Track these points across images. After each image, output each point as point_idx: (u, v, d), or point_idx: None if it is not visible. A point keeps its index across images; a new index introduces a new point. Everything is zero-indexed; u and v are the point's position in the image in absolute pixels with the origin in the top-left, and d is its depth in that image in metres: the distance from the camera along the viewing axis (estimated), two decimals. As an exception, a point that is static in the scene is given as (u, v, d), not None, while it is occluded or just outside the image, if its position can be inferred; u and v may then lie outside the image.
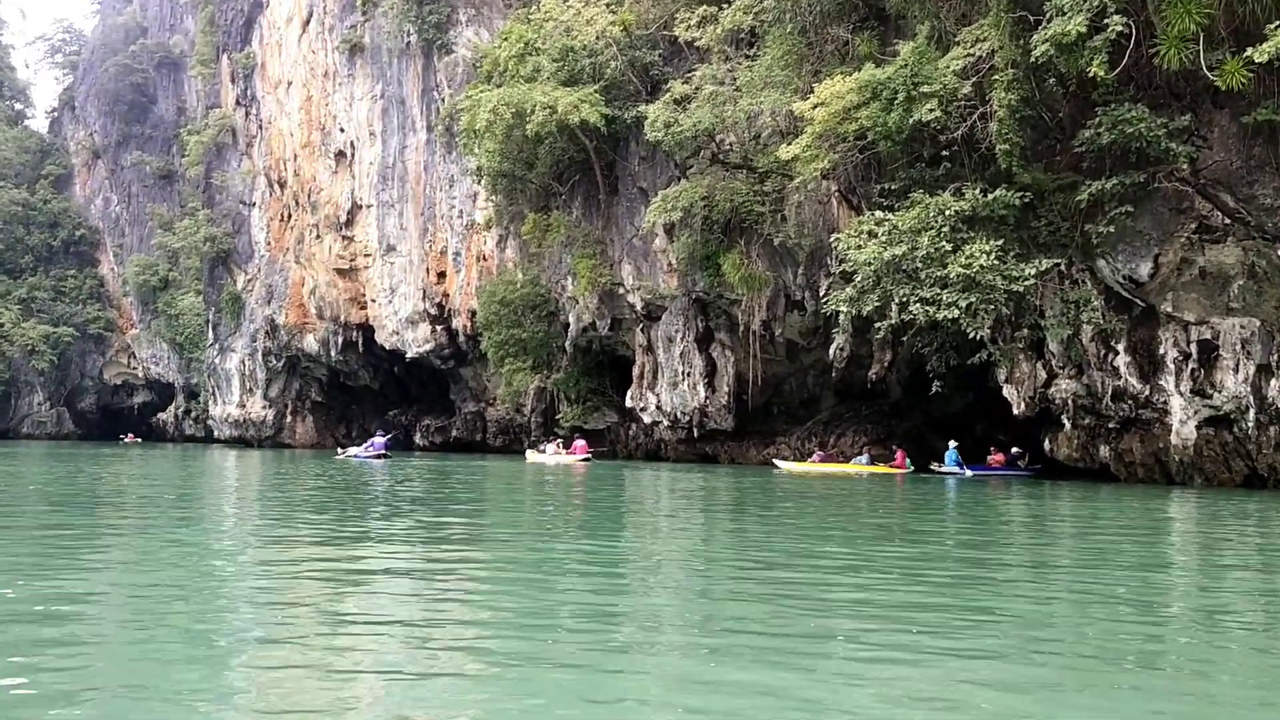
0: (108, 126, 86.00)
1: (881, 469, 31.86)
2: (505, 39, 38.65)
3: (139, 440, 78.98)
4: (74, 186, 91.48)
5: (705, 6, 32.34)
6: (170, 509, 15.98)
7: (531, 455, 40.37)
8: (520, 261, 43.12)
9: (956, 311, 22.21)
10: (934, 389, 27.81)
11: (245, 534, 12.28)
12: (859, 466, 31.95)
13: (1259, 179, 20.92)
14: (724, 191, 31.18)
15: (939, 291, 22.49)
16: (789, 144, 26.36)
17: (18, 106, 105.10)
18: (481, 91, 37.08)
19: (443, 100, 47.74)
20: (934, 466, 31.61)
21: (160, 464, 35.11)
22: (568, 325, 40.55)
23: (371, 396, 61.49)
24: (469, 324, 47.36)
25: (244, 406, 60.75)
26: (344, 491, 20.11)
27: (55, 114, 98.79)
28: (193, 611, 6.88)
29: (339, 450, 45.04)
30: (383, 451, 38.32)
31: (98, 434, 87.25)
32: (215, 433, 65.28)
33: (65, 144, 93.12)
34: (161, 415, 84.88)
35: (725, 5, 31.42)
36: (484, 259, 47.23)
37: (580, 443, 38.50)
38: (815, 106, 25.08)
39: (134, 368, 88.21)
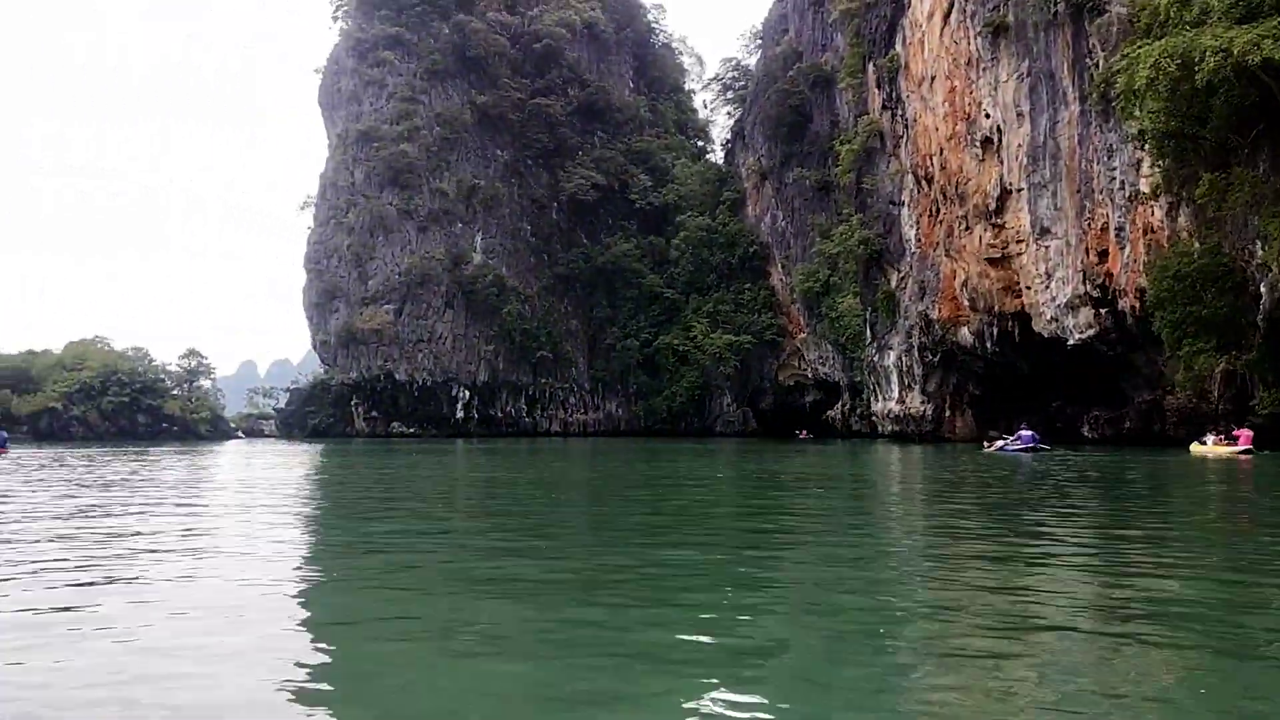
0: (772, 149, 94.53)
1: None
2: (1166, -17, 34.68)
3: (811, 436, 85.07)
4: (746, 208, 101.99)
5: None
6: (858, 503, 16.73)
7: (1195, 447, 36.61)
8: (1196, 229, 38.31)
9: None
10: None
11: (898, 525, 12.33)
12: None
13: None
14: None
15: None
16: None
17: (699, 144, 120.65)
18: (1139, 47, 33.68)
19: (1095, 67, 44.34)
20: None
21: (833, 459, 37.37)
22: (1259, 297, 35.01)
23: (1030, 388, 59.19)
24: (1137, 305, 43.26)
25: (903, 402, 62.33)
26: (1000, 485, 19.45)
27: (728, 145, 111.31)
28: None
29: (985, 443, 44.34)
30: (1031, 444, 37.02)
31: (776, 430, 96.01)
32: (879, 429, 67.92)
33: (738, 170, 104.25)
34: (830, 412, 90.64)
35: None
36: (1152, 231, 42.82)
37: (1245, 432, 34.43)
38: None
39: (804, 369, 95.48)
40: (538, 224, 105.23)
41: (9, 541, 10.67)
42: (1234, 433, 35.72)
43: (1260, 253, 33.99)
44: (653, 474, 26.03)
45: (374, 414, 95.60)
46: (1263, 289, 34.67)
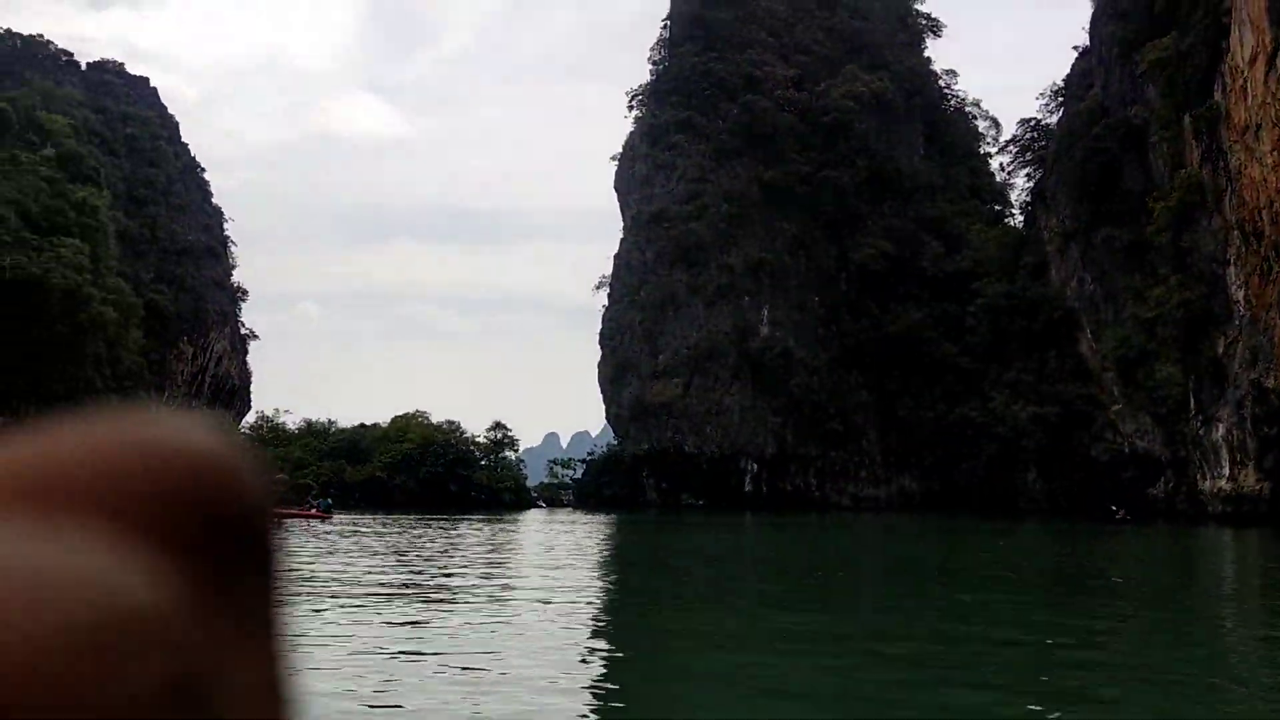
0: (1077, 209, 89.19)
1: None
2: None
3: (1129, 516, 78.37)
4: (1049, 272, 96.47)
5: None
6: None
7: None
8: None
9: None
10: None
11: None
12: None
13: None
14: None
15: None
16: None
17: (996, 208, 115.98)
18: None
19: None
20: None
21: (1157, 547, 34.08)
22: None
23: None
24: None
25: (1235, 480, 56.10)
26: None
27: (1028, 208, 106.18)
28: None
29: None
30: None
31: (1087, 508, 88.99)
32: (1208, 508, 61.41)
33: (1039, 233, 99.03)
34: (1151, 489, 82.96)
35: None
36: None
37: None
38: None
39: (1119, 442, 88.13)
40: (825, 295, 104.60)
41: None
42: None
43: None
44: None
45: (664, 485, 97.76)
46: None
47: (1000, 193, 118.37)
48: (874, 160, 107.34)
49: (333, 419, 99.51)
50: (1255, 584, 16.69)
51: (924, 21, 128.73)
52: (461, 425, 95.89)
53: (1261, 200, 52.32)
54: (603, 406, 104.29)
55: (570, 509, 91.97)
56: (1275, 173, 50.90)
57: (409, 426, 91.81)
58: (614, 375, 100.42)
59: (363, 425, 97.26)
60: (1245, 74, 53.29)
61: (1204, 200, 60.87)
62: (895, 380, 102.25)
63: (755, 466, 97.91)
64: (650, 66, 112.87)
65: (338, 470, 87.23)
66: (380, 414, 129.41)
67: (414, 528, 34.48)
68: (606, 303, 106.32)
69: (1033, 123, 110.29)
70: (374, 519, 44.63)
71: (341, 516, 48.73)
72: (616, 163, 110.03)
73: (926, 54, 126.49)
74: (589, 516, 60.53)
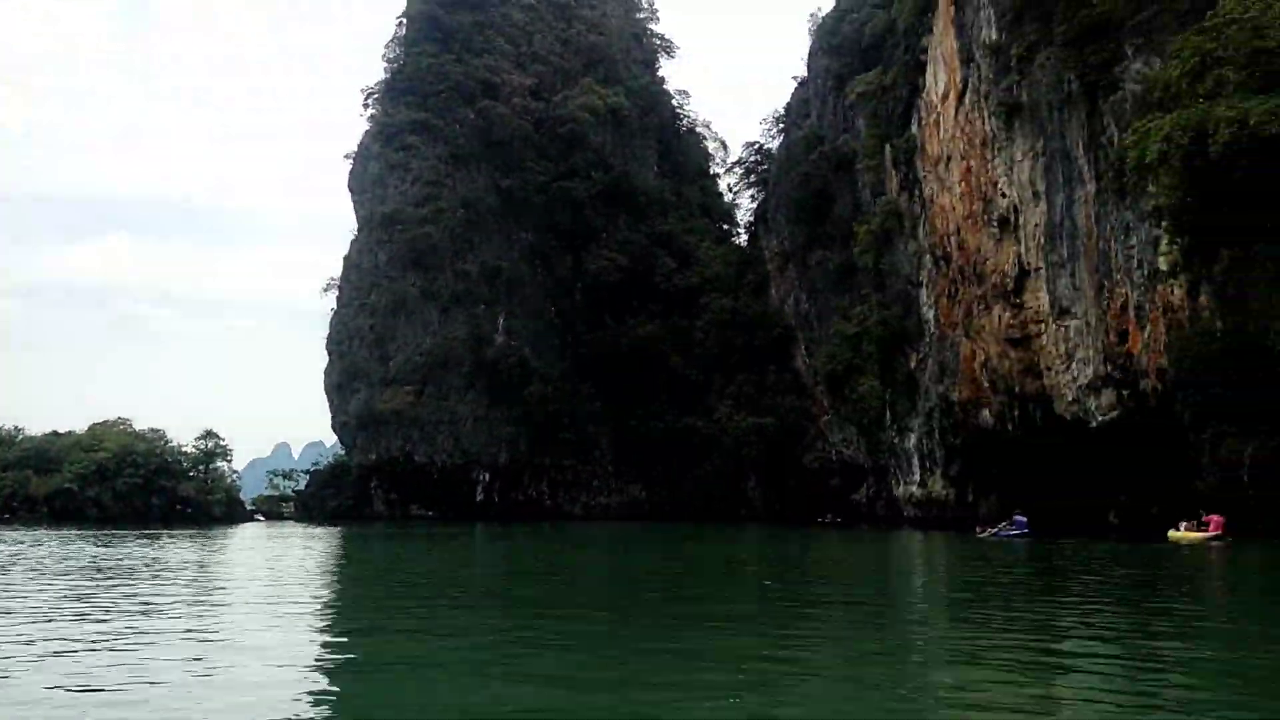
0: (795, 231, 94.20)
1: None
2: (1177, 56, 34.01)
3: (837, 520, 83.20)
4: (770, 290, 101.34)
5: None
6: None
7: (1172, 534, 37.47)
8: (1217, 308, 36.97)
9: None
10: None
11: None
12: None
13: None
14: None
15: None
16: None
17: (724, 226, 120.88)
18: (1150, 121, 32.89)
19: (1110, 144, 43.62)
20: None
21: (852, 546, 35.87)
22: (1290, 377, 33.49)
23: (1054, 472, 57.23)
24: (1159, 385, 41.75)
25: (925, 486, 60.63)
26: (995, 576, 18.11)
27: (752, 228, 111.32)
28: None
29: (979, 529, 43.40)
30: (1024, 530, 36.67)
31: (801, 514, 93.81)
32: (904, 512, 66.07)
33: (761, 253, 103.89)
34: (855, 496, 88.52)
35: None
36: (1172, 310, 41.47)
37: (1216, 518, 35.46)
38: None
39: (828, 452, 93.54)
40: (561, 306, 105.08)
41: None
42: (1204, 519, 36.19)
43: (1286, 331, 32.60)
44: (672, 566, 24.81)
45: (393, 496, 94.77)
46: (1293, 368, 33.17)
47: (728, 212, 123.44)
48: (610, 174, 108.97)
49: (20, 426, 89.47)
50: (897, 585, 17.68)
51: (659, 41, 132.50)
52: (166, 433, 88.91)
53: (950, 227, 56.93)
54: (329, 415, 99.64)
55: (293, 522, 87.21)
56: (962, 202, 55.53)
57: (106, 434, 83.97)
58: (341, 382, 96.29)
59: (55, 433, 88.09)
60: (939, 109, 57.93)
61: (902, 226, 65.74)
62: (627, 391, 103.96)
63: (488, 476, 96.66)
64: (385, 65, 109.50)
65: (21, 481, 78.59)
66: (82, 421, 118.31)
67: (73, 543, 30.85)
68: (335, 306, 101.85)
69: (756, 146, 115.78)
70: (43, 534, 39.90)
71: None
72: (351, 161, 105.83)
73: (661, 73, 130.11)
74: (309, 530, 57.27)
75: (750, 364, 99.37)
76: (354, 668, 8.77)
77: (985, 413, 55.02)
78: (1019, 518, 38.70)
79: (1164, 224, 37.42)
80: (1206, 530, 35.40)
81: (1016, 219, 51.19)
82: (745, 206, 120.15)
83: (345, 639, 10.43)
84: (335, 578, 18.73)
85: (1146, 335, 43.24)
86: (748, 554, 25.82)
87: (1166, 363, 39.69)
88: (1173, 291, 41.28)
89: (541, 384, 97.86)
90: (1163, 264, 40.57)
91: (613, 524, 78.59)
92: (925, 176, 60.10)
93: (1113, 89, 43.89)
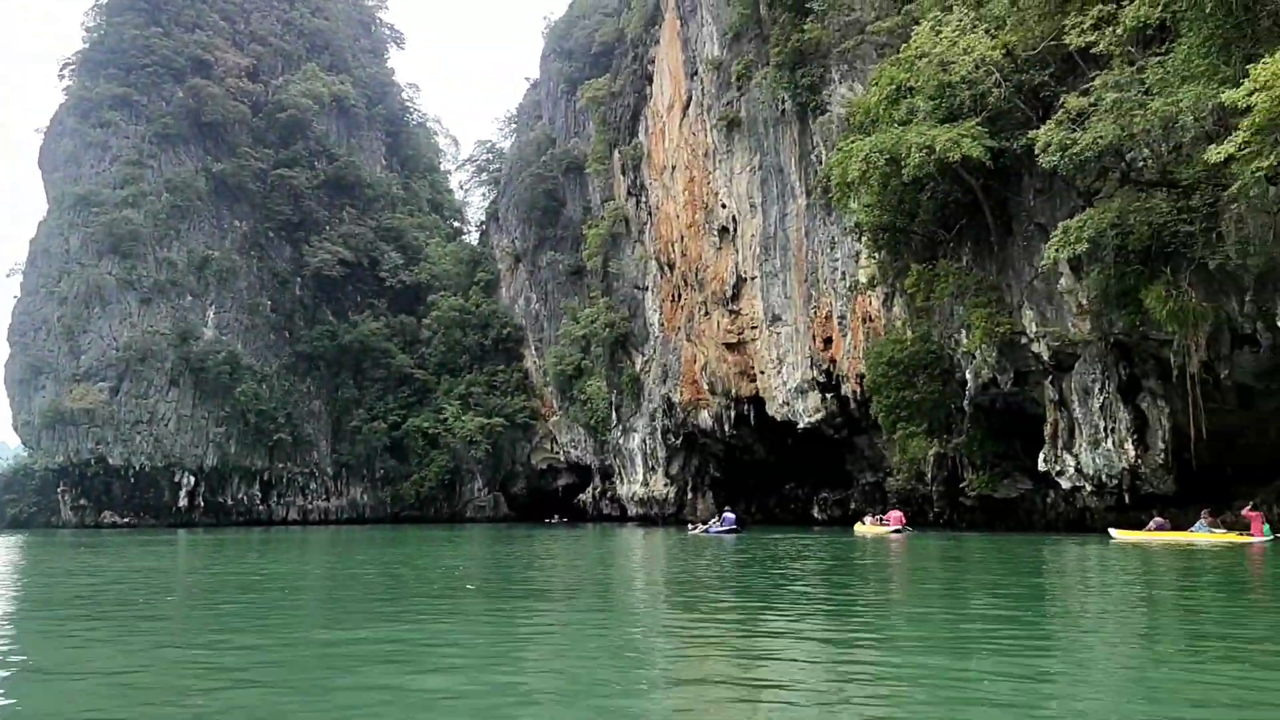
0: (526, 232, 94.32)
1: (1231, 538, 25.40)
2: (875, 83, 36.59)
3: (565, 520, 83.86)
4: (500, 290, 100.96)
5: (1101, 4, 28.24)
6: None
7: (858, 527, 40.97)
8: (908, 318, 40.21)
9: None
10: None
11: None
12: (1201, 535, 25.90)
13: None
14: (1140, 214, 26.63)
15: None
16: (1219, 145, 21.81)
17: (455, 224, 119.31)
18: (852, 143, 35.16)
19: (819, 163, 46.47)
20: None
21: (568, 544, 36.00)
22: (965, 383, 36.90)
23: (767, 470, 60.56)
24: (858, 389, 44.93)
25: (647, 484, 62.24)
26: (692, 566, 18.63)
27: (483, 226, 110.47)
28: None
29: (690, 526, 45.26)
30: (733, 527, 38.51)
31: (530, 515, 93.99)
32: (629, 510, 67.52)
33: (492, 252, 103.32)
34: (581, 496, 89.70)
35: (1126, 2, 27.27)
36: (870, 320, 44.81)
37: (895, 514, 39.76)
38: (1252, 93, 20.54)
39: (556, 452, 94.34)
40: (279, 300, 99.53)
41: None
42: (885, 516, 40.53)
43: (964, 341, 35.80)
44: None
45: (83, 502, 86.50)
46: (968, 375, 36.50)
47: (459, 210, 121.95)
48: (334, 164, 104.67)
49: None
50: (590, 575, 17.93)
51: (388, 31, 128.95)
52: None
53: (674, 234, 58.73)
54: (9, 414, 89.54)
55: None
56: (686, 210, 57.41)
57: None
58: (24, 377, 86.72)
59: None
60: (664, 119, 59.64)
61: (629, 231, 67.26)
62: (349, 390, 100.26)
63: (192, 480, 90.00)
64: (84, 34, 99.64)
65: None
66: None
67: None
68: (19, 294, 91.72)
69: (489, 145, 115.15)
70: None
71: None
72: (42, 136, 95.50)
73: (390, 64, 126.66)
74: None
75: (479, 363, 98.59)
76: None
77: (704, 414, 57.20)
78: (728, 515, 40.47)
79: (863, 239, 40.19)
80: (888, 525, 38.89)
81: (735, 229, 53.54)
82: (476, 204, 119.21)
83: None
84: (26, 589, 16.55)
85: (848, 343, 46.40)
86: (462, 556, 25.30)
87: (864, 368, 42.65)
88: (870, 302, 44.55)
89: (254, 382, 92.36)
90: (862, 276, 43.61)
91: (332, 528, 75.42)
92: (652, 184, 61.73)
93: (821, 110, 46.78)
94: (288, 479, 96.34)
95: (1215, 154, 21.45)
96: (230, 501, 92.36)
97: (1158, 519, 29.89)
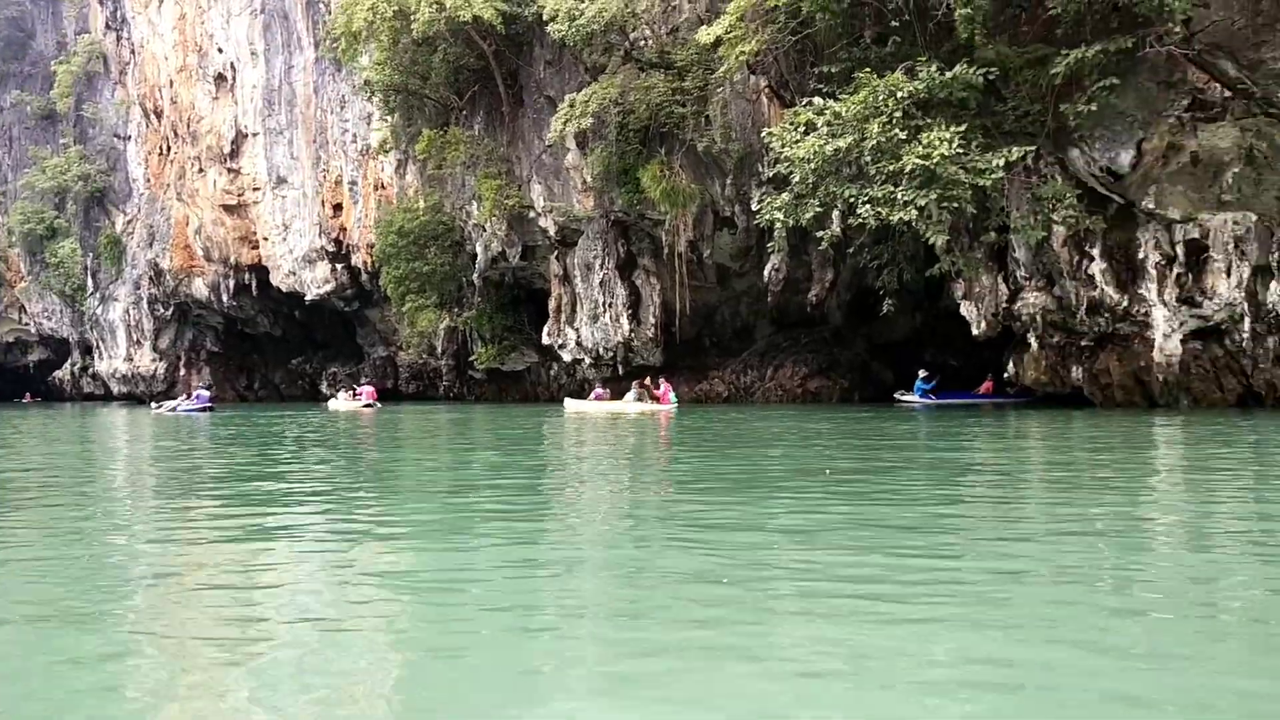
0: (-16, 66, 78.51)
1: (651, 406, 28.25)
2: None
3: (39, 400, 73.58)
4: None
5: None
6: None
7: (331, 404, 41.12)
8: (421, 188, 38.73)
9: (913, 212, 18.70)
10: (885, 308, 24.22)
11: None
12: (629, 405, 28.40)
13: (1269, 39, 17.56)
14: (639, 93, 27.20)
15: (891, 189, 18.94)
16: (709, 27, 22.52)
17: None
18: (360, -10, 32.34)
19: (328, 11, 42.71)
20: (900, 395, 29.03)
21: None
22: (475, 256, 36.44)
23: (274, 344, 56.80)
24: (369, 260, 42.91)
25: (131, 360, 55.74)
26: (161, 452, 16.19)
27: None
28: None
29: (154, 404, 41.00)
30: (207, 404, 35.40)
31: (2, 395, 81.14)
32: (113, 389, 60.24)
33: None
34: (58, 373, 78.94)
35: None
36: (382, 187, 42.70)
37: (367, 389, 40.89)
38: (739, -20, 21.27)
39: (26, 324, 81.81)
40: None
41: None
42: (358, 390, 41.06)
43: (475, 213, 35.15)
44: None
45: None
46: (478, 248, 36.02)
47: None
48: None
49: None
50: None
51: None
52: None
53: (163, 79, 51.68)
54: None
55: None
56: (176, 52, 50.58)
57: None
58: None
59: None
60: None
61: (108, 70, 58.23)
62: None
63: None
64: None
65: None
66: None
67: None
68: None
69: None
70: None
71: None
72: None
73: None
74: None
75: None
76: None
77: (199, 283, 51.80)
78: (201, 393, 36.89)
79: (374, 99, 37.74)
80: (360, 400, 39.15)
81: (234, 78, 48.11)
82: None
83: None
84: None
85: (359, 210, 43.97)
86: None
87: (375, 238, 40.63)
88: (383, 168, 42.38)
89: None
90: (374, 140, 41.14)
91: None
92: (135, 18, 53.44)
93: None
94: None
95: (706, 35, 22.10)
96: None
97: (598, 390, 31.50)
